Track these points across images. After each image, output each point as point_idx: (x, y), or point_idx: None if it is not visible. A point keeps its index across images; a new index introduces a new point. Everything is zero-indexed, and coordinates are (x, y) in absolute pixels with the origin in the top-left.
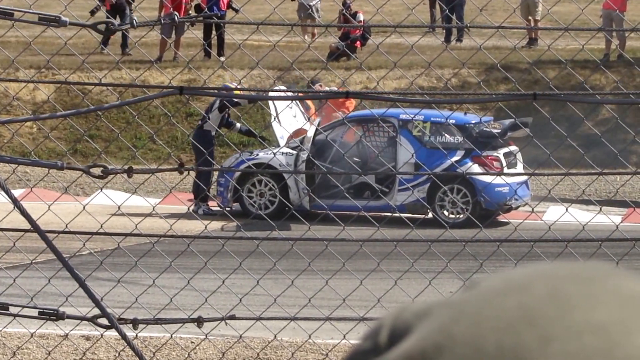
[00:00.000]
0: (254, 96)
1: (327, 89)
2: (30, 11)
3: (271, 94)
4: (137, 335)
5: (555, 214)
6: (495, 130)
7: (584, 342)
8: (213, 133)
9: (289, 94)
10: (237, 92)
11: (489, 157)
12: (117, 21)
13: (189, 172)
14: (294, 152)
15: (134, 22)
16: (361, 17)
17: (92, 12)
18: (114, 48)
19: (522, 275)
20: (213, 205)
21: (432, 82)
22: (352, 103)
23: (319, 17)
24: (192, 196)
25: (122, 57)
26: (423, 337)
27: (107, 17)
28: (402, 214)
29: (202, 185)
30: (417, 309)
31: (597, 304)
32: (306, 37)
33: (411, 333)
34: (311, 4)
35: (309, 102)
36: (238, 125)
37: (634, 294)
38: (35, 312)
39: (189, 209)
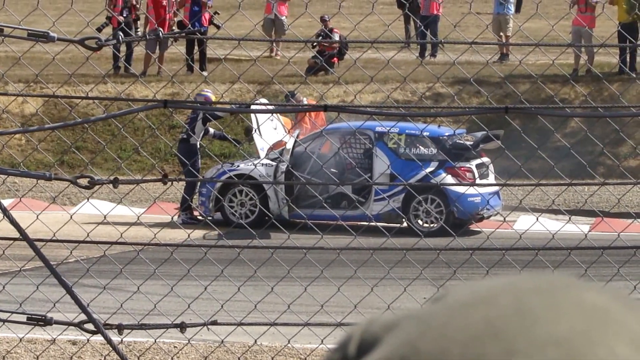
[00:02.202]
0: (235, 109)
1: (304, 99)
2: (20, 27)
3: (252, 107)
4: (122, 340)
5: (525, 223)
6: (467, 143)
7: (547, 355)
8: (198, 145)
9: (270, 107)
10: (219, 105)
11: (462, 168)
12: (103, 37)
13: (172, 183)
14: (274, 163)
15: (119, 38)
16: (337, 36)
17: (99, 29)
18: (100, 63)
19: (488, 288)
20: (197, 214)
21: (407, 95)
22: (319, 115)
23: (285, 30)
24: (175, 205)
25: (110, 69)
26: (390, 351)
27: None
28: (378, 223)
29: (185, 195)
30: (385, 321)
31: (560, 317)
32: (273, 53)
33: (379, 345)
34: (274, 18)
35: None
36: (212, 130)
37: (596, 306)
38: (23, 318)
39: (172, 218)
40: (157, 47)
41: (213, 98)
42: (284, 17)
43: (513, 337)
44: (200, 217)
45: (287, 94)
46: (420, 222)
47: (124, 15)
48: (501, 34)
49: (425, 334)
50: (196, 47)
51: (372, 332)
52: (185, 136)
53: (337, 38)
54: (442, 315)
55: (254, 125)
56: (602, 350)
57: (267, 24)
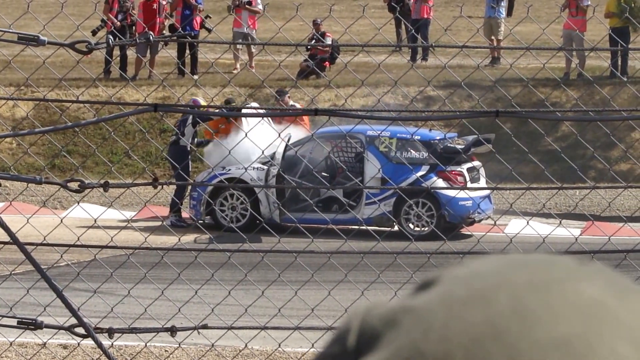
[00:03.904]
0: (225, 113)
1: (293, 103)
2: (10, 30)
3: (243, 110)
4: (112, 344)
5: (516, 227)
6: (459, 146)
7: (550, 358)
8: (188, 148)
9: (261, 111)
10: (212, 109)
11: (453, 172)
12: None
13: (162, 187)
14: (265, 167)
15: (110, 42)
16: (329, 40)
17: (94, 32)
18: (91, 67)
19: (484, 281)
20: (186, 217)
21: (398, 99)
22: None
23: (253, 41)
24: (166, 210)
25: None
26: (394, 352)
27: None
28: (369, 227)
29: (175, 199)
30: (384, 314)
31: (559, 317)
32: (238, 65)
33: (380, 342)
34: (245, 32)
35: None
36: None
37: (593, 301)
38: (14, 322)
39: (162, 221)
40: (148, 50)
41: (203, 103)
42: (252, 31)
43: (514, 340)
44: (188, 221)
45: (277, 91)
46: (411, 225)
47: (119, 19)
48: (492, 37)
49: (427, 336)
50: (187, 51)
51: (372, 325)
52: (175, 138)
53: (329, 42)
54: (441, 313)
55: (244, 129)
56: (604, 352)
57: (236, 37)
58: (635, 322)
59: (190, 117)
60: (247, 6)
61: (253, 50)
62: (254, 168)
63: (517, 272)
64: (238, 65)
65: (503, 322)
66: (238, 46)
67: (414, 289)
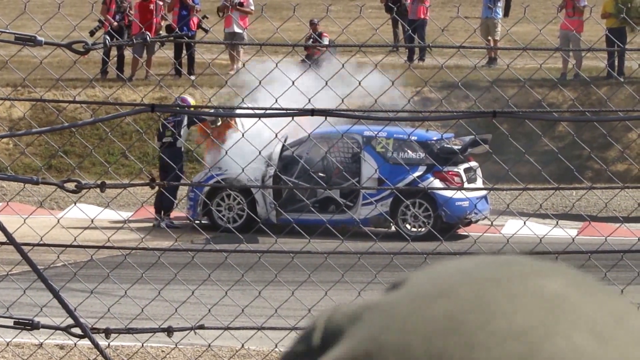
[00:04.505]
0: (221, 113)
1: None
2: (7, 31)
3: (238, 111)
4: (109, 344)
5: (513, 227)
6: (455, 147)
7: (507, 348)
8: (182, 149)
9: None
10: (206, 109)
11: (450, 173)
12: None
13: (160, 187)
14: (262, 167)
15: (107, 42)
16: (326, 40)
17: (92, 33)
18: (88, 67)
19: (447, 277)
20: (174, 218)
21: (395, 100)
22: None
23: (243, 49)
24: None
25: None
26: (354, 345)
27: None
28: (366, 228)
29: (171, 198)
30: (349, 311)
31: (519, 308)
32: (235, 65)
33: (343, 337)
34: (237, 31)
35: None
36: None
37: (554, 294)
38: (10, 322)
39: (153, 226)
40: (145, 51)
41: (192, 102)
42: (244, 31)
43: (473, 331)
44: (176, 222)
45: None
46: (408, 226)
47: (117, 19)
48: (489, 38)
49: (388, 328)
50: (184, 51)
51: (336, 323)
52: (172, 140)
53: (326, 42)
54: (403, 308)
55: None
56: (561, 341)
57: (227, 38)
58: (594, 314)
59: (186, 118)
60: (238, 7)
61: (241, 50)
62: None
63: (481, 269)
64: (235, 66)
65: (462, 315)
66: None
67: (383, 291)
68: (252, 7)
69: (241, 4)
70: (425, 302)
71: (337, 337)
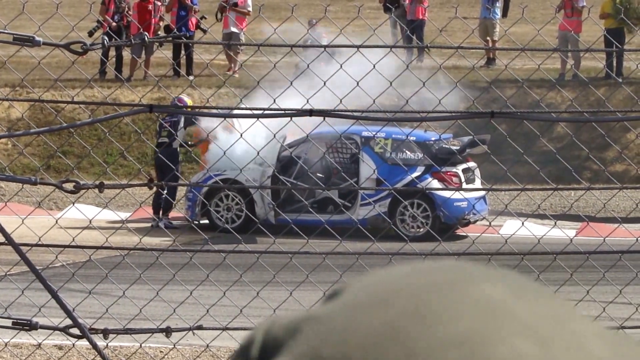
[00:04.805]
0: (219, 114)
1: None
2: (5, 31)
3: (235, 111)
4: (107, 344)
5: (511, 228)
6: (454, 147)
7: (448, 356)
8: (179, 150)
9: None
10: (204, 109)
11: (448, 173)
12: (90, 41)
13: (158, 188)
14: (260, 168)
15: (105, 42)
16: (324, 41)
17: (91, 33)
18: (87, 67)
19: (386, 285)
20: (172, 218)
21: (393, 100)
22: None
23: (241, 50)
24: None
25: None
26: (293, 358)
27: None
28: (363, 229)
29: (169, 199)
30: (287, 323)
31: (459, 316)
32: (232, 66)
33: (282, 350)
34: (234, 32)
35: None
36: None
37: (494, 300)
38: (9, 322)
39: (152, 226)
40: (143, 51)
41: (189, 102)
42: (241, 32)
43: (413, 339)
44: (174, 222)
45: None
46: (406, 226)
47: (116, 20)
48: (488, 38)
49: (326, 340)
50: (183, 52)
51: (274, 335)
52: (168, 141)
53: (324, 42)
54: (342, 318)
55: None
56: (503, 347)
57: (225, 39)
58: (534, 319)
59: (183, 118)
60: (234, 7)
61: (239, 51)
62: (249, 169)
63: (419, 276)
64: (233, 66)
65: (402, 323)
66: (231, 47)
67: (322, 301)
68: (250, 8)
69: (236, 4)
70: (364, 311)
71: (275, 350)
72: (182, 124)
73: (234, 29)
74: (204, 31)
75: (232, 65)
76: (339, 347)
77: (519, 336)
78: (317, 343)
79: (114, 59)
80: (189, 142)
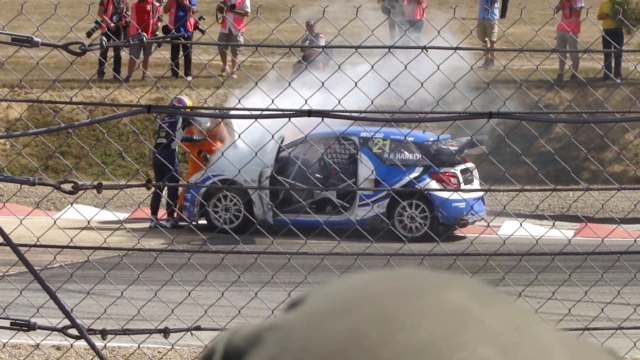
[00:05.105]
0: (218, 114)
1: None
2: (4, 32)
3: (233, 112)
4: (105, 345)
5: (510, 229)
6: (452, 148)
7: None
8: (177, 150)
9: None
10: (202, 110)
11: (447, 174)
12: (89, 42)
13: (157, 188)
14: (259, 168)
15: (104, 43)
16: (322, 41)
17: (89, 34)
18: (85, 68)
19: (347, 294)
20: (168, 219)
21: (391, 101)
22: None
23: (240, 50)
24: (162, 211)
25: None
26: None
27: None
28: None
29: (169, 201)
30: (248, 333)
31: (421, 323)
32: (227, 67)
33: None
34: (228, 32)
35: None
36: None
37: (456, 307)
38: (7, 323)
39: (151, 226)
40: (142, 52)
41: (188, 103)
42: (239, 32)
43: (376, 347)
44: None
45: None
46: (404, 227)
47: (114, 20)
48: (486, 39)
49: (288, 349)
50: (181, 52)
51: (236, 345)
52: (165, 142)
53: (322, 43)
54: (303, 327)
55: (237, 131)
56: (466, 354)
57: (221, 38)
58: (497, 326)
59: (181, 119)
60: (232, 9)
61: (238, 52)
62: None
63: (380, 283)
64: (227, 67)
65: (364, 331)
66: (225, 48)
67: (283, 309)
68: (248, 9)
69: (234, 6)
70: (325, 319)
71: None
72: (180, 125)
73: (232, 31)
74: (202, 32)
75: (227, 66)
76: (301, 355)
77: (482, 343)
78: (278, 352)
79: (112, 60)
80: (195, 137)
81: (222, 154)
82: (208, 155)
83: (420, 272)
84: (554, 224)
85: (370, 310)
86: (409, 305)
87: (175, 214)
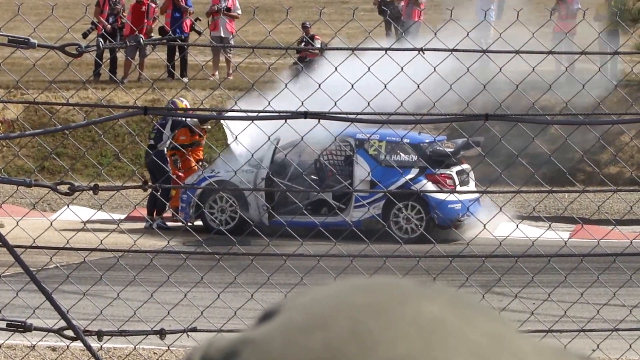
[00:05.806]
0: (214, 116)
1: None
2: (0, 34)
3: (228, 113)
4: (101, 346)
5: (506, 230)
6: (448, 149)
7: None
8: (166, 152)
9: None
10: (198, 111)
11: (442, 175)
12: (85, 43)
13: (152, 189)
14: (254, 170)
15: (100, 44)
16: (318, 43)
17: (85, 35)
18: (81, 69)
19: (322, 306)
20: (167, 219)
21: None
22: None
23: (230, 49)
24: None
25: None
26: None
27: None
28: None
29: (163, 200)
30: (224, 347)
31: (398, 336)
32: (217, 73)
33: None
34: (224, 36)
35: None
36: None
37: (433, 319)
38: (3, 324)
39: (147, 226)
40: (138, 53)
41: (179, 105)
42: (230, 35)
43: None
44: (168, 223)
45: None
46: (400, 229)
47: (110, 22)
48: (482, 40)
49: None
50: (177, 54)
51: (212, 358)
52: (154, 143)
53: (318, 45)
54: (279, 341)
55: (233, 133)
56: None
57: (214, 41)
58: (474, 337)
59: (170, 120)
60: (225, 13)
61: (230, 55)
62: (243, 171)
63: (356, 295)
64: (217, 73)
65: (342, 346)
66: (218, 51)
67: (256, 320)
68: (240, 12)
69: (229, 9)
70: (302, 334)
71: None
72: (169, 127)
73: (224, 34)
74: (199, 33)
75: (217, 72)
76: None
77: (459, 355)
78: None
79: (108, 61)
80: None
81: (219, 155)
82: (179, 160)
83: (396, 282)
84: (550, 225)
85: (347, 324)
86: (385, 319)
87: (163, 215)
